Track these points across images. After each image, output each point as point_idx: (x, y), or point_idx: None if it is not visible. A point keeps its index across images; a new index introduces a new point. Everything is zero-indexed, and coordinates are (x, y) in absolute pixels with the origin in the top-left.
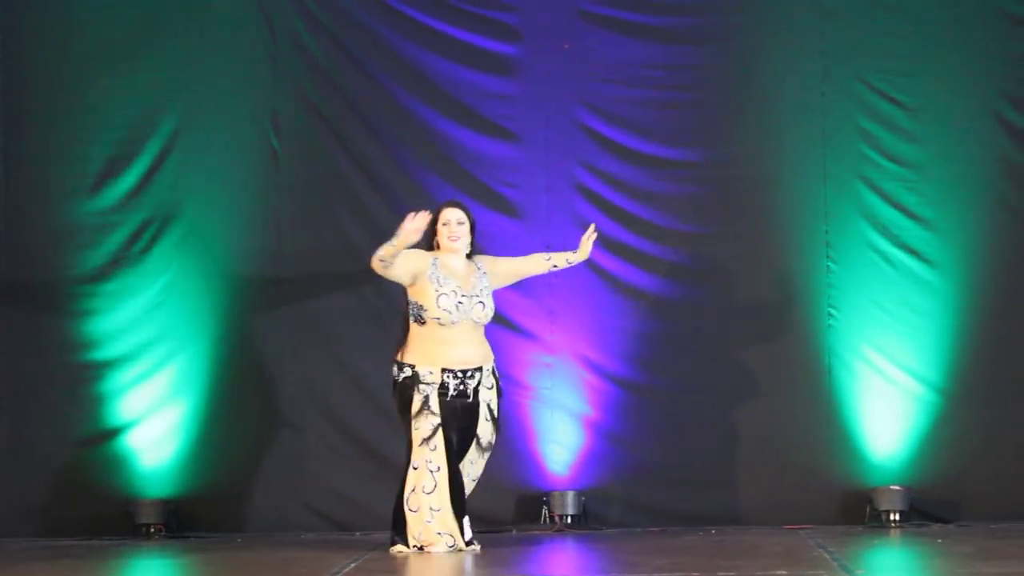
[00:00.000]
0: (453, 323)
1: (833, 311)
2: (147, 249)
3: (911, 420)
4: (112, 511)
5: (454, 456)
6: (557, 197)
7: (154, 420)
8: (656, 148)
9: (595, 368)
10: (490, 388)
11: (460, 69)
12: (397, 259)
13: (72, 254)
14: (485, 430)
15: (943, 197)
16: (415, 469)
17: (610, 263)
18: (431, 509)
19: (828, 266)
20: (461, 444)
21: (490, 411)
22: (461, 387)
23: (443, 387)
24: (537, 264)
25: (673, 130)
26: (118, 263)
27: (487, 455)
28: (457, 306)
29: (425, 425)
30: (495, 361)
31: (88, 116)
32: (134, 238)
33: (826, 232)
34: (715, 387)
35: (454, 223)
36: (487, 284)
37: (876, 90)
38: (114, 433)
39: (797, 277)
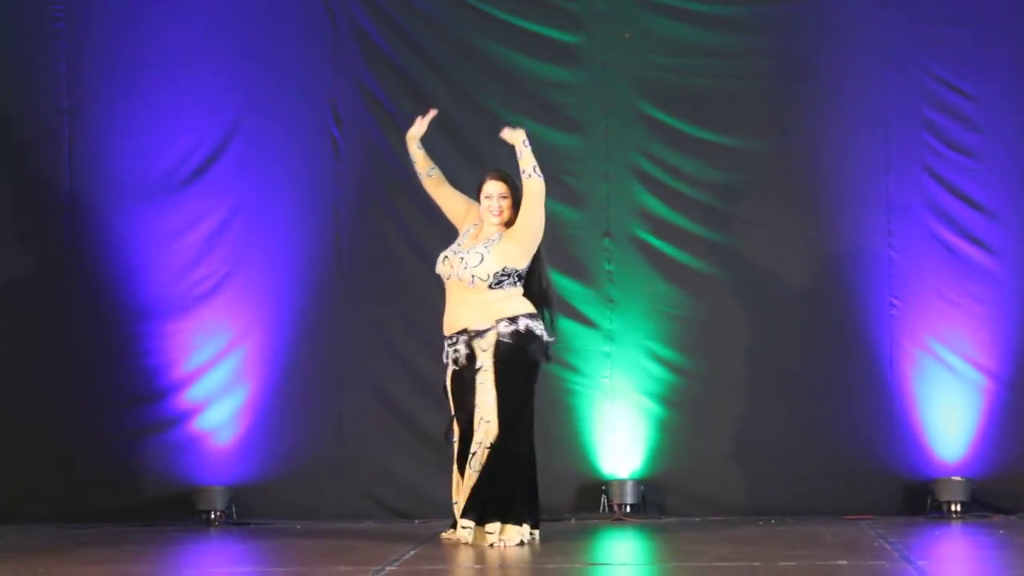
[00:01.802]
0: (446, 280)
1: (896, 301)
2: (210, 238)
3: (973, 410)
4: (173, 497)
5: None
6: (617, 185)
7: (216, 407)
8: (716, 136)
9: (655, 357)
10: (484, 351)
11: (521, 58)
12: (441, 189)
13: (136, 244)
14: (484, 403)
15: (1006, 187)
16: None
17: (670, 251)
18: (455, 504)
19: (890, 256)
20: (467, 424)
21: (496, 378)
22: (454, 355)
23: (452, 368)
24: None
25: (733, 119)
26: (181, 253)
27: (488, 425)
28: (443, 260)
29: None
30: (514, 323)
31: (151, 109)
32: (197, 228)
33: (888, 222)
34: (776, 376)
35: (496, 197)
36: (492, 245)
37: (939, 79)
38: (176, 420)
39: (859, 267)
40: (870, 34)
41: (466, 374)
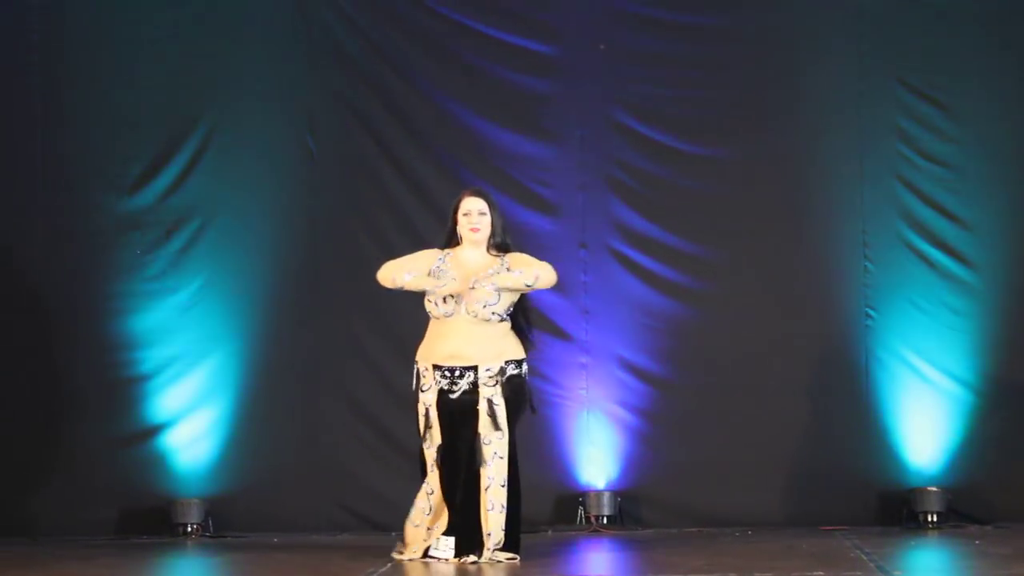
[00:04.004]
0: (446, 316)
1: (871, 311)
2: (183, 249)
3: (949, 421)
4: (149, 510)
5: (462, 468)
6: (592, 196)
7: (191, 420)
8: (691, 147)
9: (630, 368)
10: (493, 386)
11: (496, 68)
12: (408, 276)
13: (108, 255)
14: (487, 429)
15: (981, 197)
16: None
17: (645, 262)
18: (427, 529)
19: (866, 266)
20: (466, 449)
21: (491, 408)
22: (453, 387)
23: (441, 395)
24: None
25: (708, 129)
26: (154, 263)
27: (501, 462)
28: (445, 299)
29: (431, 450)
30: (521, 367)
31: (125, 117)
32: (170, 238)
33: (863, 232)
34: (752, 387)
35: (475, 213)
36: (499, 279)
37: (914, 90)
38: (151, 432)
39: (834, 277)
40: (845, 44)
41: (460, 405)
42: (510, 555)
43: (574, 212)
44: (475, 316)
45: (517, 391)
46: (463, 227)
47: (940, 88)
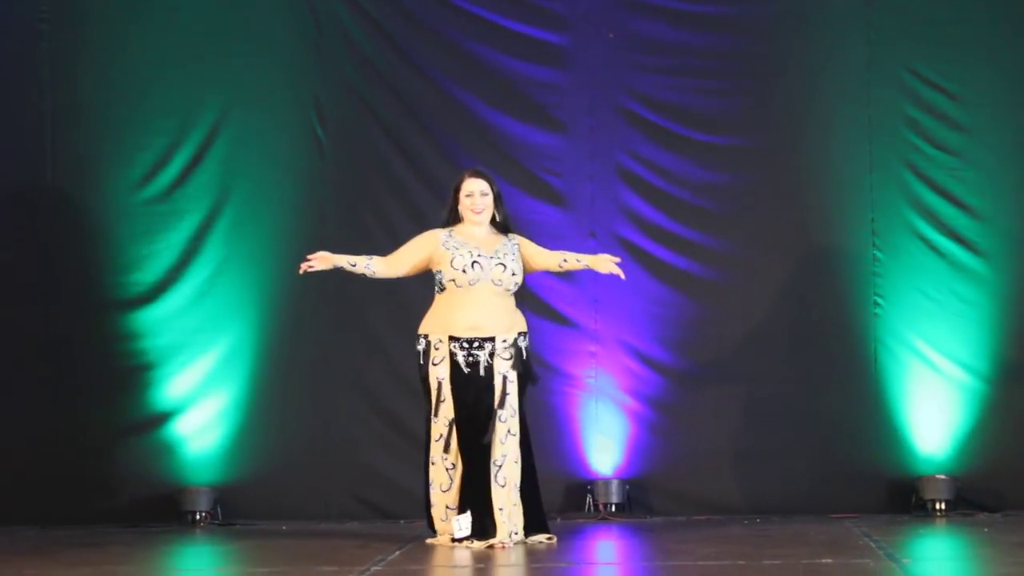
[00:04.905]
0: (470, 284)
1: (880, 300)
2: (194, 238)
3: (957, 409)
4: (158, 498)
5: (474, 443)
6: (601, 185)
7: (200, 407)
8: (700, 136)
9: (639, 356)
10: (508, 359)
11: (505, 57)
12: (400, 256)
13: (118, 244)
14: (501, 406)
15: (990, 185)
16: (433, 464)
17: (654, 251)
18: (447, 507)
19: (875, 255)
20: (480, 424)
21: (505, 385)
22: (470, 359)
23: (455, 367)
24: (551, 260)
25: (717, 118)
26: (164, 252)
27: (513, 439)
28: (472, 264)
29: (441, 422)
30: (527, 338)
31: (134, 107)
32: (181, 228)
33: (872, 220)
34: (760, 376)
35: (478, 194)
36: (516, 254)
37: (922, 78)
38: (160, 420)
39: (843, 266)
40: (853, 33)
41: (477, 378)
42: (547, 536)
43: (583, 201)
44: (499, 285)
45: (526, 365)
46: (465, 207)
47: (950, 77)
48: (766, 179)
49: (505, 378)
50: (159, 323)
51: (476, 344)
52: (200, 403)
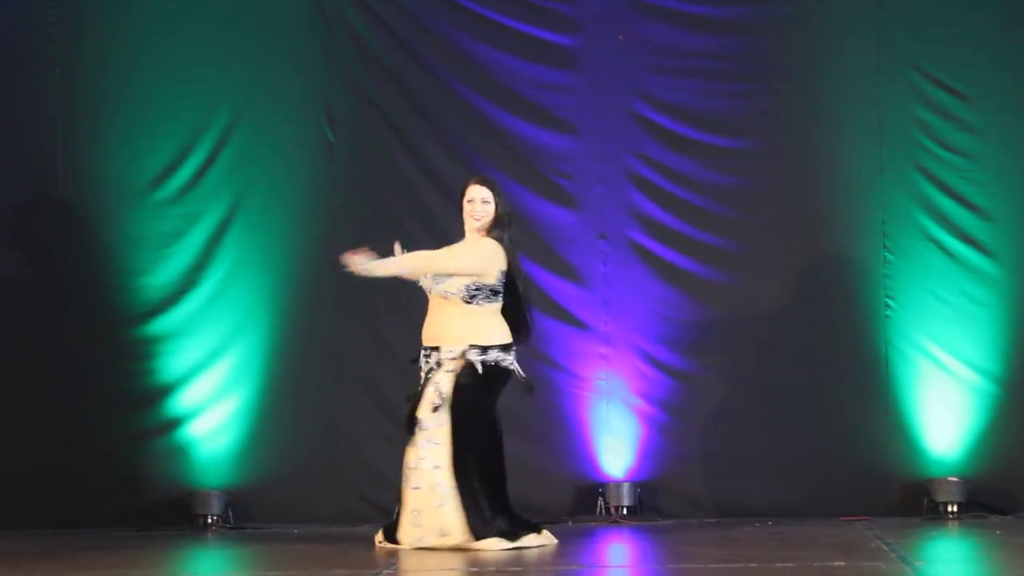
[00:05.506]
0: (429, 293)
1: (890, 301)
2: (205, 242)
3: (969, 411)
4: (170, 502)
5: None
6: (611, 187)
7: (212, 411)
8: (710, 138)
9: (650, 358)
10: (451, 371)
11: (515, 60)
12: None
13: (130, 249)
14: (425, 412)
15: (1001, 187)
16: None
17: (664, 253)
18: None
19: (885, 256)
20: (410, 428)
21: (436, 393)
22: (424, 366)
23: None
24: None
25: (727, 120)
26: (176, 257)
27: (436, 447)
28: (424, 275)
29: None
30: (488, 353)
31: (144, 111)
32: (194, 231)
33: (883, 222)
34: (771, 378)
35: (478, 202)
36: None
37: (932, 79)
38: (172, 424)
39: (854, 267)
40: (863, 34)
41: (423, 386)
42: (536, 533)
43: (593, 203)
44: (436, 293)
45: (476, 379)
46: (466, 213)
47: (960, 78)
48: (776, 181)
49: (437, 385)
50: (172, 327)
51: (427, 352)
52: (212, 407)
